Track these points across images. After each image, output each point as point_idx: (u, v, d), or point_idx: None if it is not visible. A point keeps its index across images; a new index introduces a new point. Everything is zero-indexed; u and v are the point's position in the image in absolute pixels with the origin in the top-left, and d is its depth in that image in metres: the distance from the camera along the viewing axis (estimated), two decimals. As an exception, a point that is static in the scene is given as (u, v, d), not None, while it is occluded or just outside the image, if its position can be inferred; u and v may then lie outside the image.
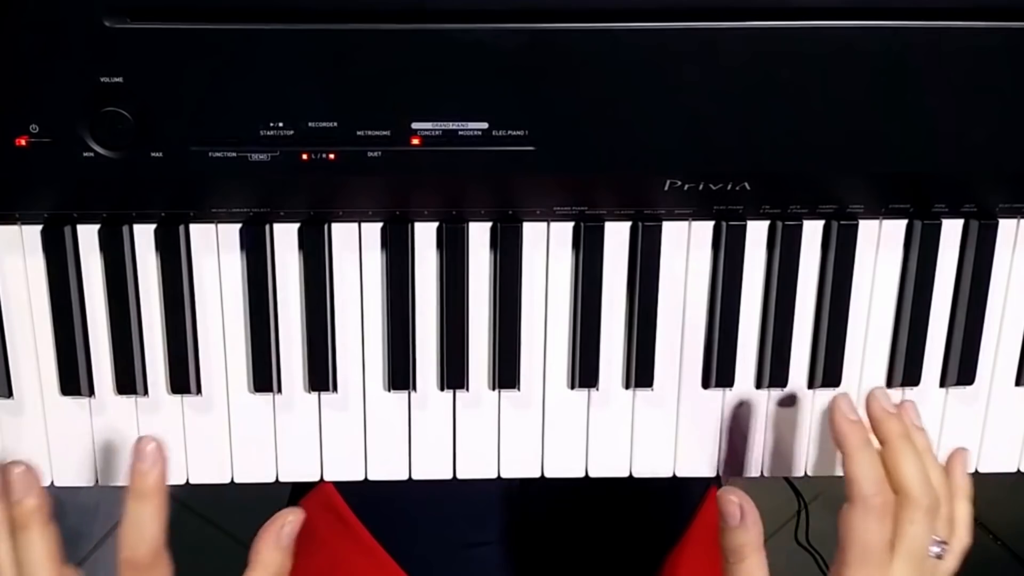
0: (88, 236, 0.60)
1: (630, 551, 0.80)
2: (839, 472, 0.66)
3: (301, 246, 0.60)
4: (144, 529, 0.52)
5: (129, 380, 0.61)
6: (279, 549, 0.54)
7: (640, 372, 0.62)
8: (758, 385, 0.64)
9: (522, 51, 0.54)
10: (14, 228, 0.59)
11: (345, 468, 0.64)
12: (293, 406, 0.63)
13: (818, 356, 0.63)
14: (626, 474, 0.65)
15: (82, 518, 1.35)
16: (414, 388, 0.63)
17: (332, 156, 0.55)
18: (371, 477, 0.64)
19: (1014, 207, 0.62)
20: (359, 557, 0.75)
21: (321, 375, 0.62)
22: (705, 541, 0.78)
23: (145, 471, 0.53)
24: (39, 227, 0.59)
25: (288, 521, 0.54)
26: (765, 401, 0.65)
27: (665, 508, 0.80)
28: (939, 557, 0.56)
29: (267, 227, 0.60)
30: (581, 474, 0.65)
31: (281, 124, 0.55)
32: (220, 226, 0.60)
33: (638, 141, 0.56)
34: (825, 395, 0.64)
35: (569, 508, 0.81)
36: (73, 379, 0.61)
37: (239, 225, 0.60)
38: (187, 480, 0.64)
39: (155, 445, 0.53)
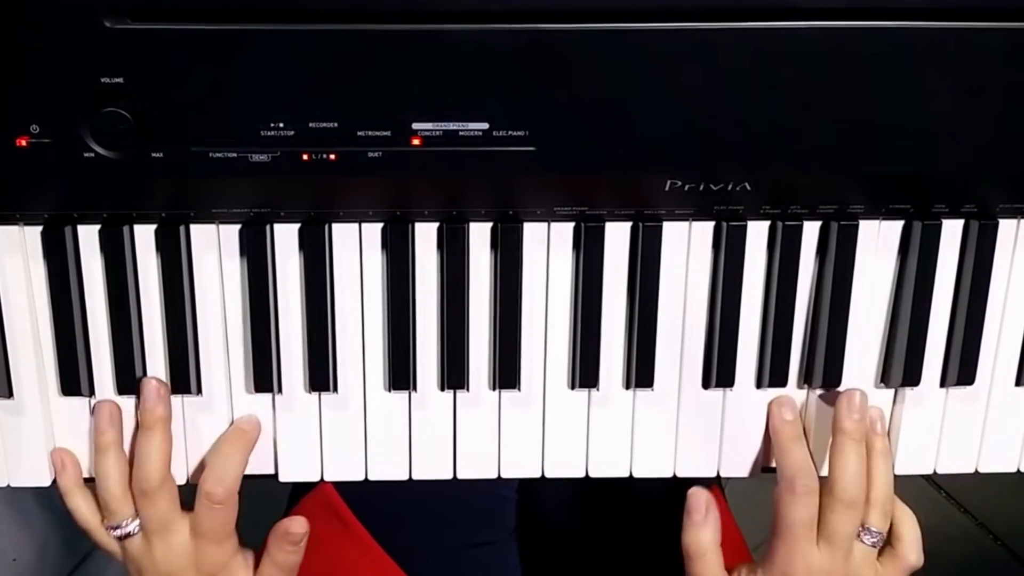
0: (88, 236, 0.60)
1: (630, 551, 0.80)
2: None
3: (301, 246, 0.60)
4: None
5: (129, 380, 0.61)
6: (286, 552, 0.62)
7: (640, 372, 0.62)
8: (758, 385, 0.64)
9: (522, 51, 0.54)
10: (14, 228, 0.59)
11: (345, 468, 0.64)
12: (293, 406, 0.63)
13: (818, 356, 0.63)
14: (626, 474, 0.65)
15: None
16: (414, 388, 0.63)
17: (332, 156, 0.55)
18: (371, 477, 0.64)
19: (1014, 207, 0.62)
20: (359, 557, 0.75)
21: (321, 375, 0.62)
22: (728, 549, 0.77)
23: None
24: (39, 227, 0.59)
25: (295, 529, 0.62)
26: (765, 401, 0.65)
27: (664, 509, 0.80)
28: (875, 546, 0.62)
29: (267, 227, 0.60)
30: (581, 474, 0.65)
31: (281, 124, 0.55)
32: (220, 226, 0.60)
33: (638, 141, 0.56)
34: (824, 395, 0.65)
35: (569, 508, 0.81)
36: (73, 379, 0.61)
37: (239, 225, 0.60)
38: (187, 480, 0.64)
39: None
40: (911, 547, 0.63)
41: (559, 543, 0.80)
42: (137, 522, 0.61)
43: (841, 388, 0.64)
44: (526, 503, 0.80)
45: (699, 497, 0.62)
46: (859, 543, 0.62)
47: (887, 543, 0.64)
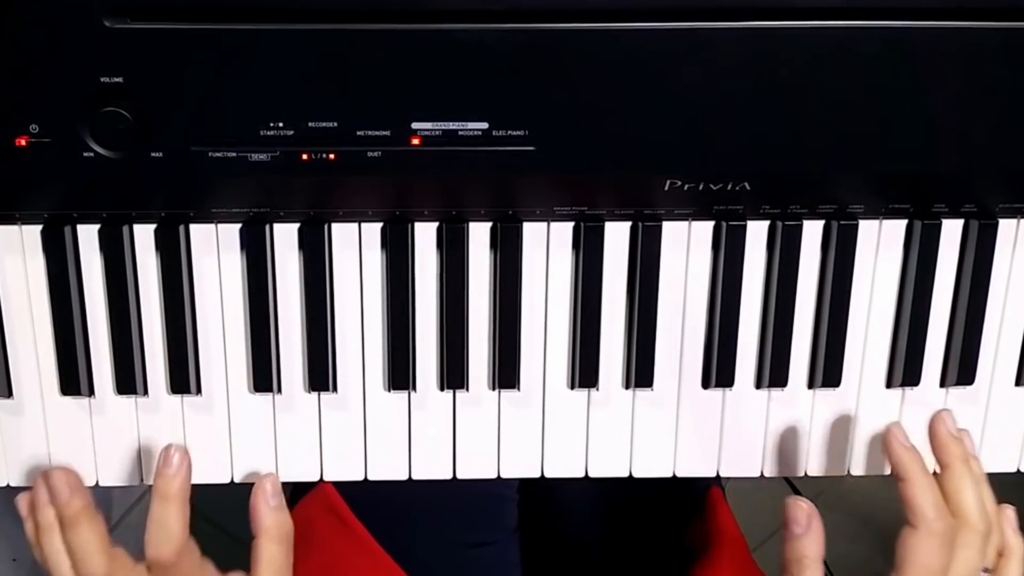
0: (88, 236, 0.60)
1: (630, 550, 0.80)
2: (839, 472, 0.67)
3: (301, 246, 0.60)
4: (169, 529, 0.57)
5: (129, 380, 0.61)
6: (272, 511, 0.59)
7: (640, 372, 0.62)
8: (758, 385, 0.64)
9: (522, 51, 0.54)
10: (14, 228, 0.59)
11: (345, 468, 0.64)
12: (293, 406, 0.63)
13: (818, 356, 0.63)
14: (626, 474, 0.65)
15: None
16: (414, 388, 0.63)
17: (332, 156, 0.55)
18: (371, 477, 0.64)
19: (1014, 207, 0.62)
20: (358, 557, 0.75)
21: (321, 375, 0.62)
22: (735, 559, 0.77)
23: (171, 476, 0.58)
24: (39, 227, 0.59)
25: (268, 483, 0.59)
26: (765, 401, 0.65)
27: (665, 510, 0.80)
28: None
29: (267, 227, 0.60)
30: (581, 474, 0.65)
31: (281, 124, 0.55)
32: (220, 226, 0.60)
33: (638, 141, 0.56)
34: (825, 395, 0.65)
35: (569, 508, 0.81)
36: (73, 379, 0.61)
37: (239, 225, 0.60)
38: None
39: (182, 452, 0.58)
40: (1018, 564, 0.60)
41: (558, 543, 0.80)
42: None
43: (842, 388, 0.64)
44: (526, 503, 0.79)
45: (799, 508, 0.56)
46: None
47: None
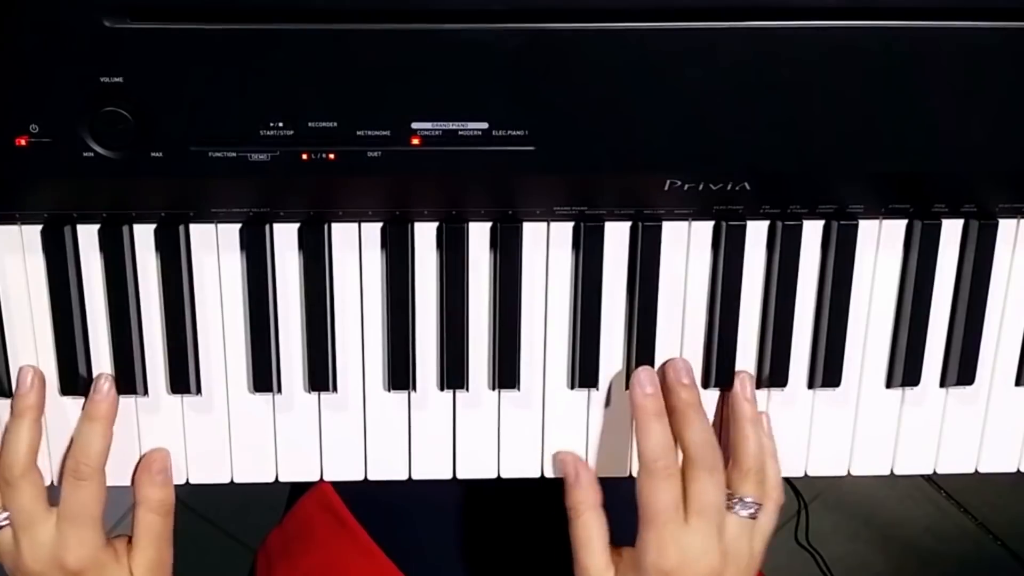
0: (88, 236, 0.60)
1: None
2: (839, 472, 0.67)
3: (301, 246, 0.60)
4: (91, 445, 0.60)
5: (129, 380, 0.61)
6: (155, 486, 0.62)
7: (640, 372, 0.62)
8: (758, 385, 0.64)
9: (522, 51, 0.54)
10: (14, 228, 0.59)
11: (345, 468, 0.64)
12: (293, 406, 0.63)
13: (818, 356, 0.63)
14: (626, 474, 0.65)
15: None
16: (414, 388, 0.63)
17: (332, 156, 0.55)
18: (371, 477, 0.64)
19: (1014, 207, 0.62)
20: (356, 557, 0.75)
21: (321, 375, 0.62)
22: None
23: (99, 400, 0.61)
24: (39, 227, 0.59)
25: (155, 459, 0.62)
26: (765, 401, 0.64)
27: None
28: (753, 517, 0.60)
29: (267, 227, 0.60)
30: (581, 474, 0.65)
31: (281, 124, 0.55)
32: (220, 226, 0.60)
33: (638, 141, 0.56)
34: (825, 395, 0.65)
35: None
36: (73, 379, 0.61)
37: (239, 225, 0.60)
38: (187, 480, 0.64)
39: (34, 372, 0.61)
40: (773, 485, 0.61)
41: (558, 544, 0.80)
42: (6, 515, 0.60)
43: (842, 388, 0.64)
44: (525, 503, 0.79)
45: (563, 463, 0.62)
46: (732, 515, 0.59)
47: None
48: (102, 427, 0.60)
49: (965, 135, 0.57)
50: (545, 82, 0.55)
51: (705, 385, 0.64)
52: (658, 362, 0.63)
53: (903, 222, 0.62)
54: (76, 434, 0.61)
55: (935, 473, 0.66)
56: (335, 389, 0.62)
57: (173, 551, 0.63)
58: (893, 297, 0.63)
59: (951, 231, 0.62)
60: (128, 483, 0.63)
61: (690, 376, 0.62)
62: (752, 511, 0.60)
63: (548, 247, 0.61)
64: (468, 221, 0.60)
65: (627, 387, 0.63)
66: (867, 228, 0.62)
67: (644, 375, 0.61)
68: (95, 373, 0.61)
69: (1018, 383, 0.65)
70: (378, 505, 0.76)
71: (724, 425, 0.64)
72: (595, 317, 0.62)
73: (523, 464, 0.65)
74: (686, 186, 0.58)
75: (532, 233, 0.61)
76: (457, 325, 0.61)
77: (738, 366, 0.63)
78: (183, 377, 0.61)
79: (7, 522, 0.60)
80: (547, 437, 0.64)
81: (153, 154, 0.55)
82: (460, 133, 0.55)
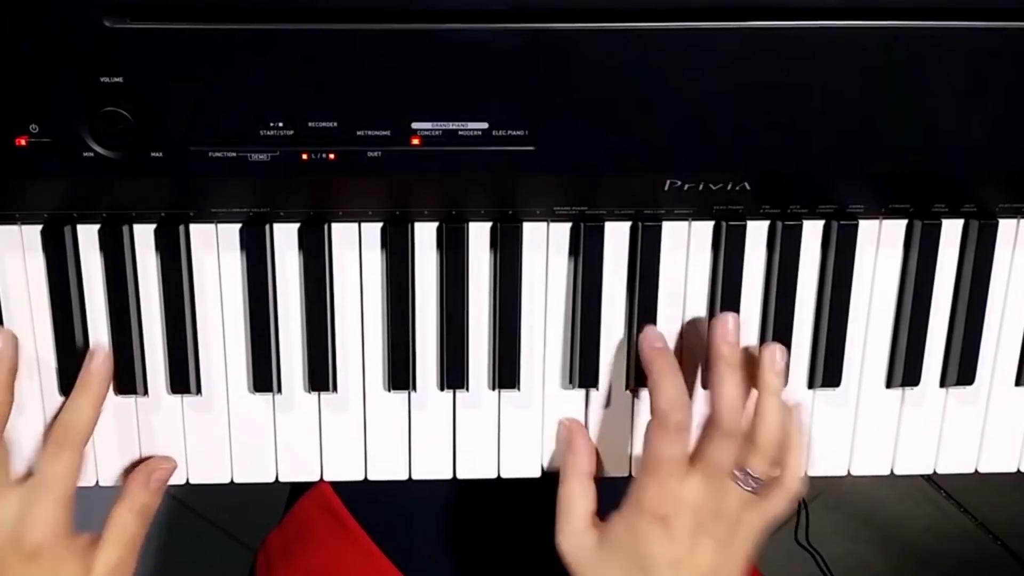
0: (88, 236, 0.60)
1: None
2: (839, 472, 0.67)
3: (301, 246, 0.60)
4: (81, 414, 0.60)
5: (129, 380, 0.61)
6: (145, 489, 0.61)
7: (641, 372, 0.62)
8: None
9: (522, 51, 0.54)
10: (14, 228, 0.59)
11: (345, 468, 0.64)
12: (293, 406, 0.63)
13: (818, 356, 0.63)
14: (626, 474, 0.65)
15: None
16: (414, 388, 0.63)
17: (332, 156, 0.55)
18: (371, 477, 0.64)
19: (1014, 207, 0.62)
20: (356, 558, 0.75)
21: (321, 375, 0.62)
22: None
23: (94, 369, 0.60)
24: (39, 227, 0.59)
25: (160, 468, 0.62)
26: (765, 401, 0.64)
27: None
28: (754, 492, 0.59)
29: (267, 227, 0.60)
30: (581, 474, 0.65)
31: (281, 124, 0.55)
32: (220, 226, 0.60)
33: (638, 141, 0.56)
34: (825, 395, 0.65)
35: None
36: (72, 379, 0.61)
37: (239, 225, 0.60)
38: (187, 480, 0.64)
39: (105, 354, 0.61)
40: (792, 475, 0.60)
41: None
42: None
43: (842, 388, 0.64)
44: (525, 503, 0.79)
45: (564, 425, 0.63)
46: (736, 486, 0.59)
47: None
48: (93, 398, 0.60)
49: (965, 135, 0.57)
50: (545, 82, 0.55)
51: (705, 385, 0.64)
52: (658, 362, 0.63)
53: (903, 222, 0.62)
54: (67, 403, 0.60)
55: (935, 473, 0.66)
56: (335, 389, 0.63)
57: (145, 560, 0.62)
58: (893, 297, 0.63)
59: (951, 231, 0.62)
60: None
61: (736, 335, 0.60)
62: (753, 487, 0.59)
63: (548, 247, 0.61)
64: (468, 221, 0.60)
65: (627, 387, 0.63)
66: (867, 228, 0.62)
67: (650, 331, 0.61)
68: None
69: (1018, 383, 0.65)
70: (378, 505, 0.76)
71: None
72: (595, 317, 0.62)
73: (523, 464, 0.65)
74: (686, 186, 0.58)
75: (532, 233, 0.61)
76: (457, 325, 0.61)
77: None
78: (183, 377, 0.61)
79: None
80: (547, 437, 0.64)
81: (153, 154, 0.55)
82: (460, 133, 0.55)
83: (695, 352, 0.63)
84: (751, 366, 0.60)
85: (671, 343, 0.63)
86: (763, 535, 0.61)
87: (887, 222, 0.62)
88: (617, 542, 0.59)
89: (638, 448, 0.65)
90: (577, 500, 0.61)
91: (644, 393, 0.64)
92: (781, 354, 0.60)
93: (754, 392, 0.60)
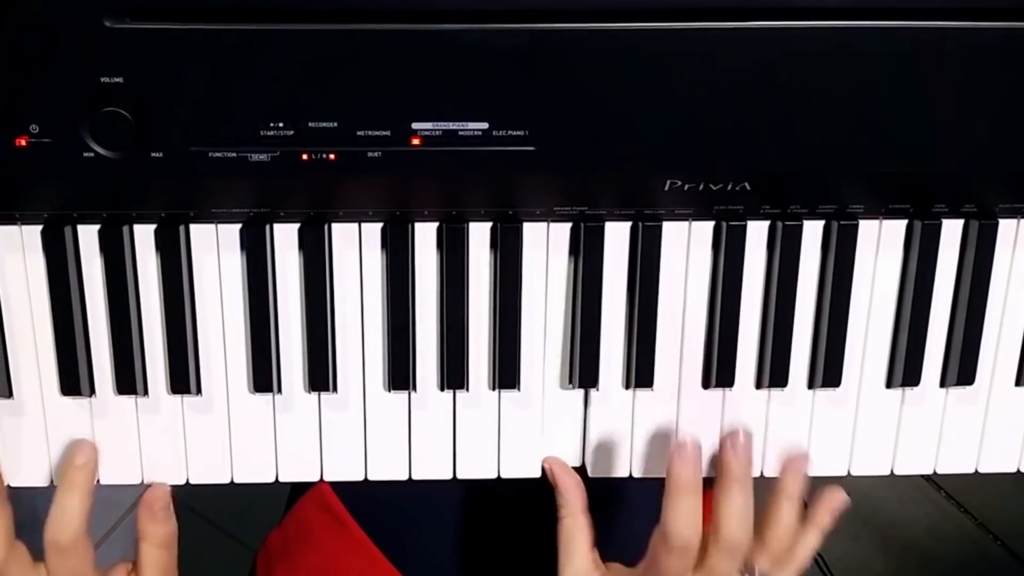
0: (88, 236, 0.60)
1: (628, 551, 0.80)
2: (839, 472, 0.67)
3: (301, 246, 0.60)
4: (69, 516, 0.59)
5: (129, 380, 0.61)
6: (156, 522, 0.61)
7: (640, 372, 0.62)
8: (758, 385, 0.64)
9: (522, 51, 0.54)
10: (14, 228, 0.59)
11: (345, 468, 0.64)
12: (293, 406, 0.63)
13: (818, 356, 0.63)
14: (627, 474, 0.65)
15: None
16: (414, 388, 0.63)
17: (332, 156, 0.55)
18: (371, 477, 0.65)
19: (1014, 207, 0.62)
20: (355, 558, 0.75)
21: (321, 375, 0.62)
22: None
23: (80, 466, 0.60)
24: (39, 227, 0.59)
25: (155, 497, 0.62)
26: (765, 401, 0.65)
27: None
28: None
29: (267, 227, 0.60)
30: (581, 474, 0.65)
31: (281, 124, 0.55)
32: (220, 226, 0.60)
33: (638, 141, 0.56)
34: (825, 395, 0.65)
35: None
36: (73, 379, 0.61)
37: (239, 225, 0.60)
38: (187, 480, 0.64)
39: (92, 447, 0.61)
40: (805, 555, 0.61)
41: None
42: None
43: (842, 388, 0.64)
44: (525, 503, 0.79)
45: (548, 471, 0.63)
46: None
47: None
48: (80, 498, 0.59)
49: (965, 135, 0.57)
50: (545, 82, 0.55)
51: (705, 385, 0.64)
52: (658, 362, 0.63)
53: (903, 222, 0.62)
54: (54, 505, 0.59)
55: (935, 473, 0.66)
56: (335, 389, 0.63)
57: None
58: (893, 297, 0.63)
59: (951, 231, 0.62)
60: (126, 483, 0.63)
61: (747, 452, 0.60)
62: None
63: (548, 247, 0.61)
64: (468, 221, 0.60)
65: (627, 387, 0.63)
66: (867, 228, 0.62)
67: (690, 447, 0.58)
68: (95, 373, 0.61)
69: (1018, 383, 0.65)
70: (377, 505, 0.76)
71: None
72: (595, 317, 0.62)
73: (523, 464, 0.65)
74: (686, 186, 0.58)
75: (532, 233, 0.61)
76: (457, 325, 0.61)
77: (738, 367, 0.63)
78: (183, 377, 0.61)
79: None
80: (547, 437, 0.64)
81: (153, 154, 0.55)
82: (460, 133, 0.55)
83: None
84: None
85: (670, 343, 0.63)
86: None
87: (887, 222, 0.62)
88: None
89: (638, 448, 0.65)
90: (576, 539, 0.62)
91: (642, 393, 0.64)
92: (804, 462, 0.62)
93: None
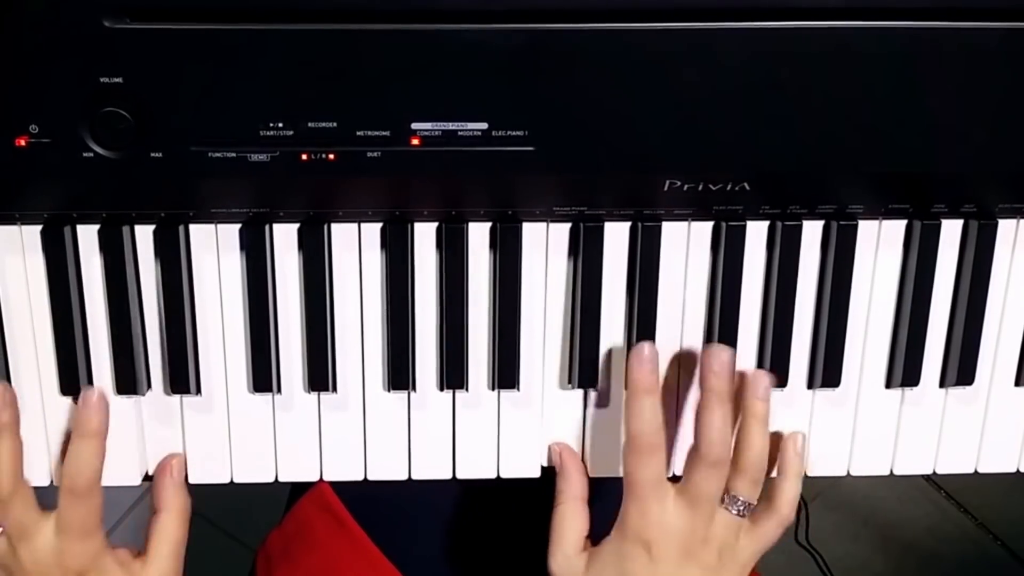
0: (88, 236, 0.60)
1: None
2: (839, 472, 0.67)
3: (301, 246, 0.60)
4: (85, 461, 0.59)
5: (129, 380, 0.61)
6: (176, 487, 0.62)
7: (640, 372, 0.62)
8: (758, 385, 0.64)
9: (522, 51, 0.54)
10: (14, 228, 0.59)
11: (345, 468, 0.64)
12: (293, 406, 0.63)
13: (818, 356, 0.63)
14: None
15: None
16: (414, 388, 0.63)
17: (332, 156, 0.56)
18: (371, 477, 0.65)
19: (1014, 207, 0.62)
20: (355, 558, 0.75)
21: (321, 375, 0.62)
22: None
23: (91, 413, 0.60)
24: (39, 227, 0.59)
25: (174, 464, 0.63)
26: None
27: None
28: (741, 516, 0.60)
29: (267, 227, 0.60)
30: (581, 474, 0.65)
31: (281, 124, 0.55)
32: (220, 226, 0.60)
33: (637, 141, 0.56)
34: (825, 395, 0.65)
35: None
36: (73, 379, 0.61)
37: (239, 225, 0.60)
38: (187, 480, 0.64)
39: (100, 394, 0.61)
40: (786, 502, 0.61)
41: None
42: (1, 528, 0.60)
43: (842, 388, 0.64)
44: (524, 503, 0.80)
45: (553, 450, 0.64)
46: (723, 510, 0.59)
47: (763, 499, 0.61)
48: (95, 442, 0.60)
49: (965, 135, 0.57)
50: (545, 82, 0.55)
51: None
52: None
53: (903, 222, 0.62)
54: (70, 451, 0.60)
55: (935, 473, 0.66)
56: (335, 389, 0.63)
57: None
58: (893, 297, 0.63)
59: (951, 231, 0.62)
60: (125, 483, 0.63)
61: (726, 366, 0.60)
62: (741, 509, 0.60)
63: (548, 247, 0.61)
64: (468, 221, 0.60)
65: (626, 387, 0.63)
66: (867, 228, 0.62)
67: (646, 349, 0.60)
68: (95, 373, 0.61)
69: (1018, 383, 0.65)
70: (377, 505, 0.76)
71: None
72: (595, 317, 0.62)
73: (522, 464, 0.65)
74: (686, 186, 0.58)
75: (532, 233, 0.61)
76: (457, 325, 0.61)
77: (738, 366, 0.63)
78: (183, 377, 0.61)
79: (1, 532, 0.60)
80: (547, 437, 0.64)
81: (153, 154, 0.55)
82: (460, 133, 0.55)
83: (691, 375, 0.63)
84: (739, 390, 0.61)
85: (670, 344, 0.63)
86: (755, 560, 0.62)
87: (887, 222, 0.62)
88: (604, 567, 0.60)
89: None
90: (570, 524, 0.62)
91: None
92: (766, 380, 0.61)
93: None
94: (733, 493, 0.60)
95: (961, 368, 0.64)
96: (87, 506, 0.59)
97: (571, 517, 0.62)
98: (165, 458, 0.63)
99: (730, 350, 0.60)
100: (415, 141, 0.55)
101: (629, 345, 0.63)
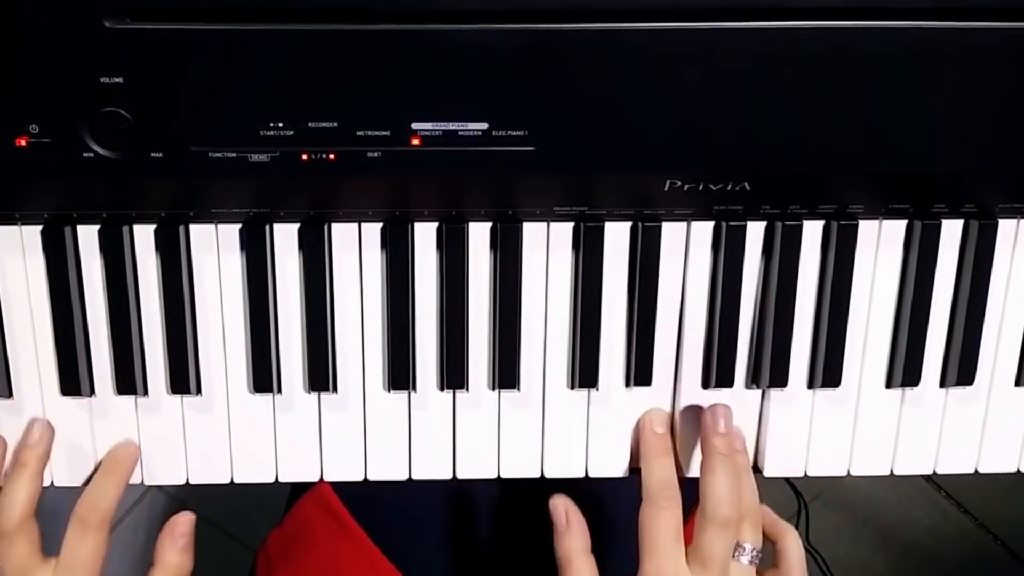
0: (88, 236, 0.60)
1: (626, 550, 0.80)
2: (839, 472, 0.67)
3: (301, 246, 0.60)
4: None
5: (129, 380, 0.61)
6: (176, 550, 0.61)
7: (640, 372, 0.63)
8: (758, 385, 0.64)
9: (522, 51, 0.54)
10: (14, 228, 0.59)
11: (345, 468, 0.64)
12: (293, 406, 0.63)
13: (818, 356, 0.63)
14: (626, 475, 0.65)
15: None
16: (414, 388, 0.63)
17: (332, 156, 0.56)
18: (371, 477, 0.65)
19: (1014, 207, 0.62)
20: (355, 558, 0.75)
21: (321, 375, 0.62)
22: None
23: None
24: (39, 227, 0.59)
25: (180, 523, 0.61)
26: (766, 401, 0.65)
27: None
28: (752, 563, 0.60)
29: (267, 227, 0.60)
30: (581, 474, 0.65)
31: (281, 124, 0.55)
32: (220, 226, 0.60)
33: (638, 141, 0.56)
34: (825, 395, 0.65)
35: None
36: (73, 379, 0.61)
37: (239, 225, 0.60)
38: (187, 480, 0.64)
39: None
40: (795, 565, 0.63)
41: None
42: None
43: (842, 388, 0.64)
44: (524, 504, 0.80)
45: (556, 508, 0.62)
46: (735, 562, 0.59)
47: (772, 565, 0.63)
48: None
49: (965, 135, 0.57)
50: (545, 82, 0.55)
51: (705, 385, 0.64)
52: (658, 362, 0.63)
53: (903, 222, 0.62)
54: (93, 483, 0.60)
55: (935, 473, 0.66)
56: (335, 389, 0.63)
57: (144, 560, 0.62)
58: (893, 297, 0.63)
59: (951, 231, 0.62)
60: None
61: (727, 425, 0.61)
62: (752, 557, 0.60)
63: (548, 247, 0.61)
64: (468, 221, 0.60)
65: (627, 386, 0.63)
66: (867, 228, 0.62)
67: (656, 416, 0.63)
68: (95, 373, 0.61)
69: (1018, 383, 0.65)
70: (377, 506, 0.76)
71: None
72: (595, 317, 0.62)
73: (523, 464, 0.65)
74: (686, 186, 0.58)
75: (532, 233, 0.61)
76: (457, 325, 0.61)
77: (738, 367, 0.63)
78: (183, 377, 0.61)
79: None
80: (547, 437, 0.64)
81: (153, 154, 0.55)
82: (460, 133, 0.55)
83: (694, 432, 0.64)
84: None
85: (670, 344, 0.63)
86: None
87: (887, 222, 0.62)
88: None
89: (637, 448, 0.65)
90: None
91: (643, 393, 0.64)
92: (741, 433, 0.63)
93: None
94: (739, 541, 0.60)
95: (961, 368, 0.64)
96: (93, 545, 0.59)
97: (584, 571, 0.61)
98: (174, 517, 0.62)
99: (727, 408, 0.62)
100: (415, 141, 0.55)
101: (630, 345, 0.63)
